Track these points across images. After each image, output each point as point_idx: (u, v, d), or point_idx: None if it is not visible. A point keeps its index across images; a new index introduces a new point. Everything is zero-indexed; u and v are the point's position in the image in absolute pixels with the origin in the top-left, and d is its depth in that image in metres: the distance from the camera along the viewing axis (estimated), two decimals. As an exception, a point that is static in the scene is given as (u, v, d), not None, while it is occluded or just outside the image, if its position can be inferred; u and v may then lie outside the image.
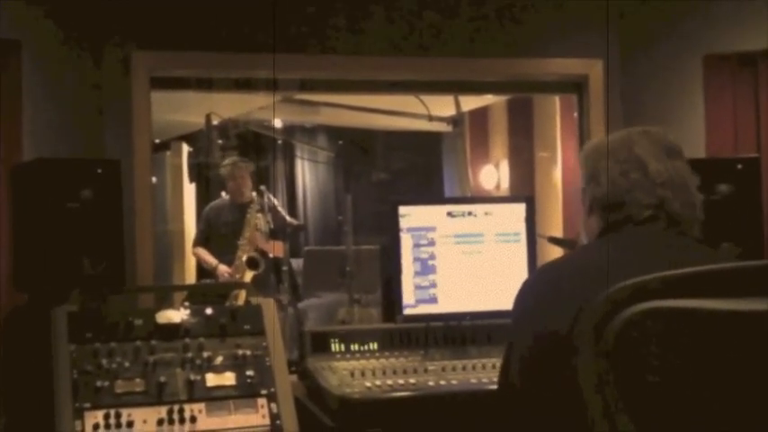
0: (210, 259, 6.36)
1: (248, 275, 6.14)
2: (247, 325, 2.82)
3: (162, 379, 2.62)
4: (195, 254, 6.65)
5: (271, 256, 6.19)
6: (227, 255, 6.27)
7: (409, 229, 3.16)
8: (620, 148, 2.01)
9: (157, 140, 6.91)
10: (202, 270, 7.12)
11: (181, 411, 2.58)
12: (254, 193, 6.36)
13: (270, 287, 6.15)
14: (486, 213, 3.23)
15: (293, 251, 7.29)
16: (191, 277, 7.73)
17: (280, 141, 9.11)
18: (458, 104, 6.93)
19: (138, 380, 2.62)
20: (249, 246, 6.19)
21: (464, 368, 2.93)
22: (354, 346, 3.09)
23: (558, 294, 1.79)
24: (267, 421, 2.63)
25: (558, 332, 1.67)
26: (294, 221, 6.96)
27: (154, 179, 4.18)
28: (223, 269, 6.23)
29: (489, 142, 8.40)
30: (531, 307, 1.89)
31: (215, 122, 6.51)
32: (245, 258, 6.15)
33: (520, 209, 3.27)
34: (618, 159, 1.99)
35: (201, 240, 6.53)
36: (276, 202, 6.64)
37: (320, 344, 3.08)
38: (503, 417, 1.94)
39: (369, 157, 8.41)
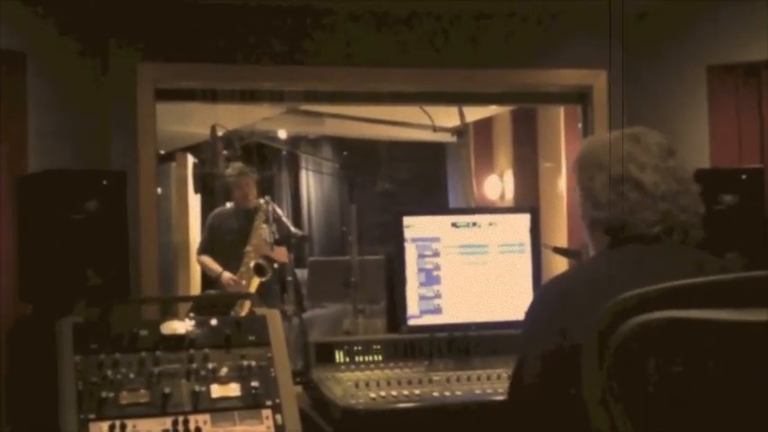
0: (215, 267, 6.35)
1: (254, 282, 6.13)
2: (252, 336, 2.82)
3: (167, 390, 2.62)
4: (200, 262, 6.64)
5: (277, 265, 6.18)
6: (231, 262, 6.27)
7: (413, 240, 3.16)
8: (615, 165, 1.96)
9: (162, 152, 6.93)
10: (207, 281, 7.11)
11: (185, 422, 2.58)
12: (261, 200, 6.36)
13: (275, 298, 6.15)
14: (490, 224, 3.23)
15: (298, 262, 7.29)
16: (195, 288, 7.74)
17: (284, 152, 9.12)
18: (462, 115, 6.94)
19: (142, 391, 2.62)
20: (255, 253, 6.18)
21: (468, 379, 2.93)
22: (359, 357, 3.08)
23: (571, 308, 1.78)
24: (272, 432, 2.63)
25: (575, 344, 1.64)
26: (299, 232, 6.95)
27: (159, 190, 4.19)
28: (228, 276, 6.22)
29: (493, 153, 8.40)
30: (543, 321, 1.87)
31: (220, 133, 6.51)
32: (252, 265, 6.14)
33: (524, 219, 3.26)
34: (614, 179, 1.95)
35: (206, 248, 6.52)
36: (281, 212, 6.64)
37: (325, 354, 3.07)
38: (514, 429, 1.93)
39: (373, 168, 8.41)
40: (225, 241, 6.41)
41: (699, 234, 1.97)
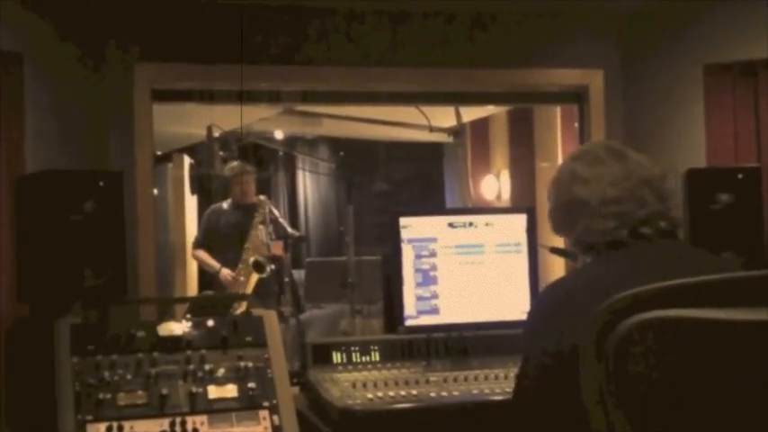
0: (212, 263, 6.34)
1: (253, 279, 6.13)
2: (249, 337, 2.82)
3: (164, 391, 2.61)
4: (195, 256, 6.62)
5: (274, 266, 6.18)
6: (229, 257, 6.26)
7: (410, 240, 3.16)
8: (562, 194, 2.03)
9: (159, 152, 6.92)
10: (204, 281, 7.10)
11: (183, 424, 2.58)
12: (261, 197, 6.36)
13: (272, 298, 6.15)
14: (487, 224, 3.23)
15: (295, 262, 7.29)
16: (193, 289, 7.73)
17: (281, 153, 9.13)
18: (458, 115, 6.94)
19: (140, 392, 2.61)
20: (254, 252, 6.18)
21: (465, 379, 2.93)
22: (356, 358, 3.08)
23: (571, 309, 1.78)
24: (269, 433, 2.63)
25: (575, 345, 1.65)
26: (296, 233, 6.95)
27: (155, 191, 4.19)
28: (226, 273, 6.21)
29: (490, 153, 8.40)
30: (545, 323, 1.88)
31: (216, 134, 6.52)
32: (251, 261, 6.13)
33: (521, 219, 3.27)
34: (565, 208, 2.02)
35: (202, 243, 6.51)
36: (277, 213, 6.64)
37: (322, 355, 3.07)
38: (517, 430, 1.94)
39: (370, 168, 8.42)
40: (222, 236, 6.41)
41: (676, 219, 1.97)
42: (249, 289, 6.12)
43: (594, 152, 2.03)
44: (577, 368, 1.51)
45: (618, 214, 1.93)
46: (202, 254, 6.46)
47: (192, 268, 7.60)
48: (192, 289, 7.73)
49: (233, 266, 6.22)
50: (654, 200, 1.94)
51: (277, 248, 6.12)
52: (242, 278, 6.15)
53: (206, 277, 6.84)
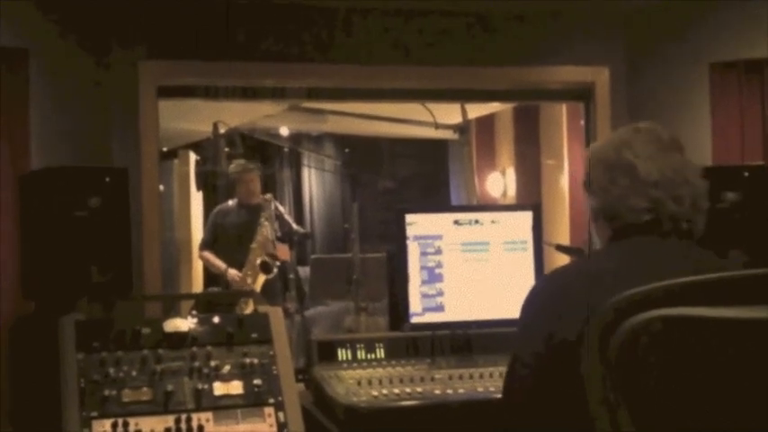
0: (219, 263, 6.32)
1: (260, 280, 6.11)
2: (255, 333, 2.82)
3: (169, 388, 2.61)
4: (202, 257, 6.61)
5: (279, 263, 6.17)
6: (235, 258, 6.25)
7: (416, 238, 3.15)
8: (610, 152, 1.97)
9: (165, 149, 6.92)
10: (210, 278, 7.10)
11: (188, 420, 2.58)
12: (266, 196, 6.34)
13: (277, 295, 6.14)
14: (492, 221, 3.22)
15: (300, 259, 7.29)
16: (198, 285, 7.74)
17: (286, 149, 9.12)
18: (464, 112, 6.93)
19: (145, 389, 2.62)
20: (260, 251, 6.16)
21: (471, 377, 2.93)
22: (361, 355, 3.08)
23: (567, 302, 1.77)
24: (274, 430, 2.63)
25: (566, 340, 1.66)
26: (301, 229, 6.94)
27: (161, 187, 4.20)
28: (233, 273, 6.20)
29: (496, 150, 8.40)
30: (539, 314, 1.87)
31: (222, 130, 6.51)
32: (258, 262, 6.12)
33: (526, 217, 3.26)
34: (608, 165, 1.96)
35: (208, 243, 6.50)
36: (283, 209, 6.63)
37: (327, 352, 3.07)
38: (508, 425, 1.93)
39: (375, 165, 8.41)
40: (228, 237, 6.39)
41: (696, 228, 1.95)
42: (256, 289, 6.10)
43: (658, 133, 1.99)
44: (572, 360, 1.50)
45: (653, 199, 1.91)
46: (208, 255, 6.44)
47: (198, 265, 7.61)
48: (198, 285, 7.74)
49: (239, 267, 6.20)
50: (688, 203, 1.93)
51: (283, 252, 6.11)
52: (249, 279, 6.13)
53: (212, 274, 6.83)
